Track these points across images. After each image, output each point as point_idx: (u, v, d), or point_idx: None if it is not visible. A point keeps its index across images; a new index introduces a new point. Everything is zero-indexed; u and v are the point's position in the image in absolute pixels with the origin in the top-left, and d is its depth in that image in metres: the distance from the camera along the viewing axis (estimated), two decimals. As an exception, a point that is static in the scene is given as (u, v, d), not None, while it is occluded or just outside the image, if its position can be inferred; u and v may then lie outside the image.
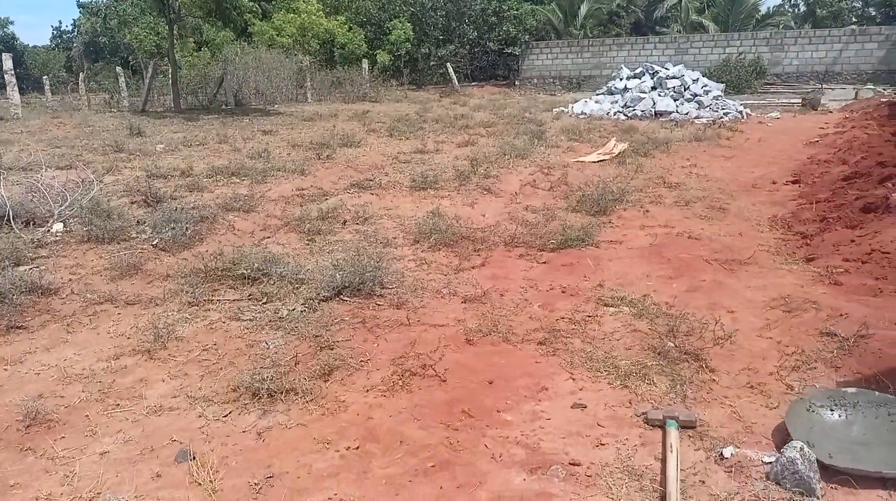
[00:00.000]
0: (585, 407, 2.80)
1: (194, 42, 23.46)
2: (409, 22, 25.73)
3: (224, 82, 19.25)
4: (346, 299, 4.04)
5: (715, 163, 8.73)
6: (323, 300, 4.00)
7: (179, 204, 6.19)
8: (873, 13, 27.67)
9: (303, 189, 7.15)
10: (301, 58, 21.18)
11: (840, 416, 2.54)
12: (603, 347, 3.36)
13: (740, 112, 13.92)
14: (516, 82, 27.88)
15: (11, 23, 53.09)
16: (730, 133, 11.21)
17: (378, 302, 4.03)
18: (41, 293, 4.11)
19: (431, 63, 26.86)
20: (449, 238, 5.25)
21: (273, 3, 26.06)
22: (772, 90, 21.70)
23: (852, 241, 4.58)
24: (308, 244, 5.29)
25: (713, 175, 7.87)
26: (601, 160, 8.98)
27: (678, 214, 6.11)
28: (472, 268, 4.73)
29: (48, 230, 5.30)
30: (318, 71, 21.90)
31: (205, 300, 4.07)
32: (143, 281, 4.49)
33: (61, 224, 5.42)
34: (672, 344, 3.30)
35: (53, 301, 4.07)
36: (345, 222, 5.86)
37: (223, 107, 18.89)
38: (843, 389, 2.70)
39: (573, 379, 3.05)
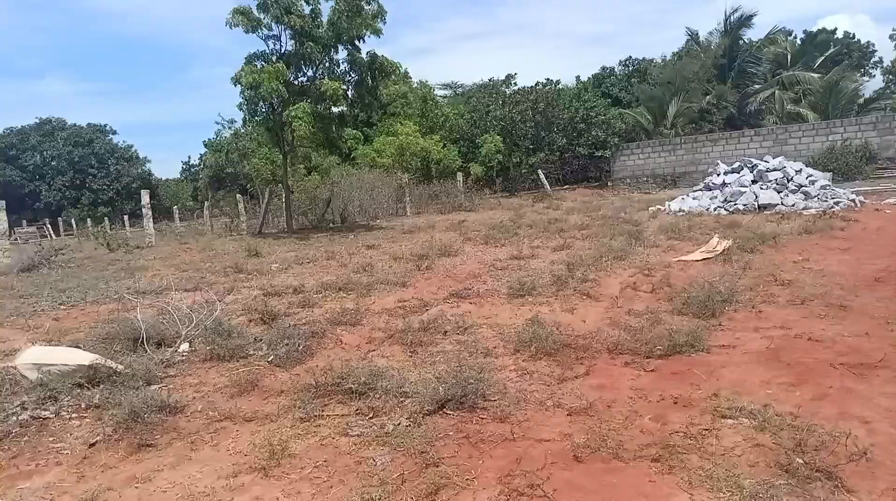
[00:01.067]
0: (709, 533, 2.61)
1: (305, 168, 25.69)
2: (499, 135, 26.98)
3: (331, 202, 20.72)
4: (449, 412, 4.06)
5: (830, 256, 8.25)
6: (427, 414, 4.04)
7: (292, 320, 6.59)
8: None
9: (404, 301, 7.41)
10: (400, 175, 22.58)
11: None
12: (723, 464, 3.15)
13: (853, 200, 13.21)
14: (609, 183, 28.06)
15: (149, 161, 60.72)
16: (843, 223, 10.62)
17: (481, 415, 4.01)
18: (169, 411, 4.43)
19: (523, 170, 27.74)
20: (550, 347, 5.21)
21: (374, 127, 28.34)
22: (886, 175, 20.50)
23: None
24: (411, 356, 5.41)
25: (830, 269, 7.42)
26: (705, 259, 8.72)
27: (794, 313, 5.76)
28: (576, 378, 4.64)
29: (176, 350, 5.77)
30: (416, 186, 23.19)
31: (316, 416, 4.22)
32: (260, 397, 4.74)
33: (188, 344, 5.89)
34: (801, 460, 3.04)
35: (179, 419, 4.37)
36: (445, 332, 5.97)
37: (331, 225, 20.23)
38: None
39: (693, 500, 2.86)
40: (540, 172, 26.10)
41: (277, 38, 17.40)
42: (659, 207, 15.81)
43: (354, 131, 21.31)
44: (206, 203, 26.47)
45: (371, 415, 4.17)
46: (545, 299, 7.01)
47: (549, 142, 27.80)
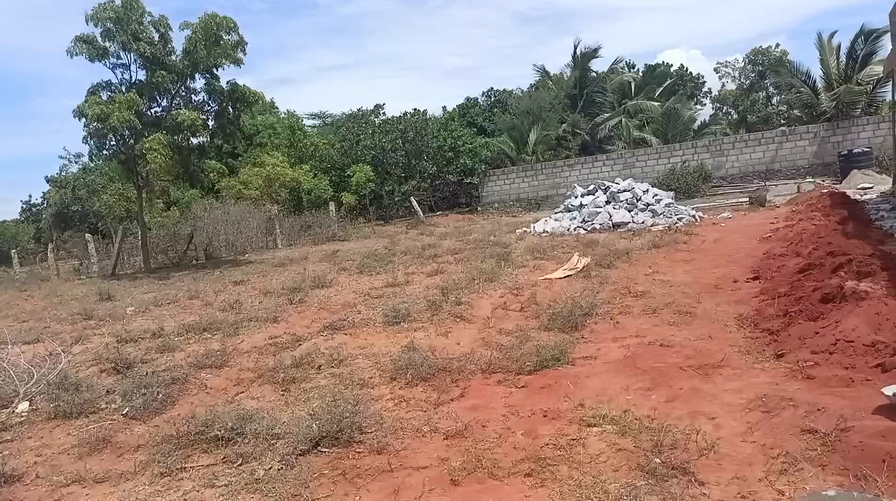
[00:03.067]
0: (580, 540, 2.70)
1: (163, 203, 24.16)
2: (369, 164, 27.06)
3: (193, 238, 19.62)
4: (324, 449, 3.93)
5: (676, 267, 9.02)
6: (300, 455, 3.88)
7: (150, 368, 6.10)
8: (798, 114, 30.02)
9: (276, 337, 7.13)
10: (269, 207, 21.87)
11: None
12: (590, 471, 3.29)
13: (693, 216, 14.58)
14: (478, 208, 28.97)
15: (-21, 202, 54.14)
16: (686, 237, 11.68)
17: (358, 449, 3.92)
18: (4, 481, 3.91)
19: (396, 198, 27.93)
20: (426, 372, 5.22)
21: (240, 159, 27.34)
22: (720, 192, 22.92)
23: (816, 333, 4.69)
24: (283, 395, 5.20)
25: (676, 280, 8.11)
26: (567, 276, 9.20)
27: (647, 322, 6.22)
28: (452, 400, 4.68)
29: (13, 411, 5.13)
30: (287, 217, 22.56)
31: (178, 469, 3.91)
32: (114, 455, 4.32)
33: (27, 403, 5.27)
34: (658, 460, 3.25)
35: (17, 489, 3.87)
36: (319, 367, 5.80)
37: (194, 262, 19.12)
38: (825, 492, 2.66)
39: (564, 510, 2.95)
40: (413, 199, 26.42)
41: (126, 66, 16.37)
42: (525, 229, 16.52)
43: (217, 163, 20.44)
44: (50, 245, 24.01)
45: (240, 462, 3.94)
46: (420, 325, 7.04)
47: (419, 170, 28.28)
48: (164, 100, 17.10)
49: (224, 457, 4.02)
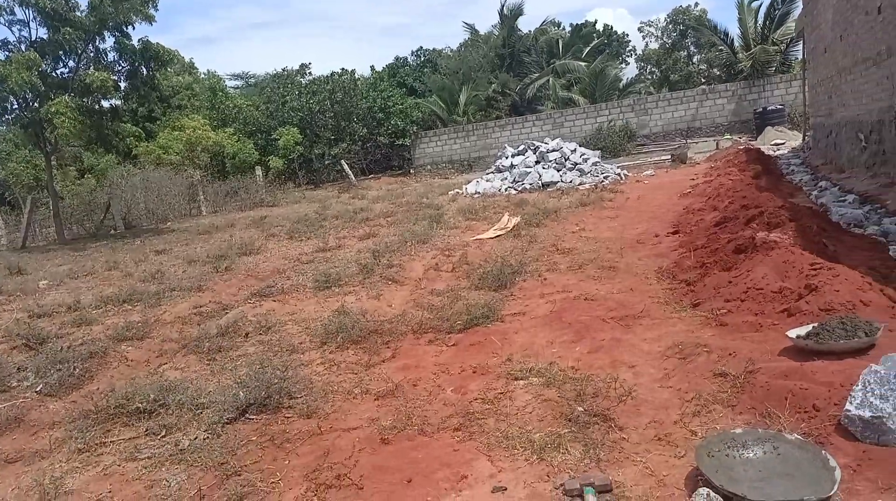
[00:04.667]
0: (506, 490, 2.78)
1: (76, 170, 22.75)
2: (296, 127, 26.25)
3: (111, 207, 18.64)
4: (252, 417, 3.87)
5: (602, 224, 9.27)
6: (227, 423, 3.81)
7: (66, 342, 5.81)
8: (718, 73, 31.04)
9: (200, 306, 6.92)
10: (191, 172, 20.97)
11: (736, 457, 2.65)
12: (517, 422, 3.38)
13: (619, 174, 14.97)
14: (411, 171, 28.77)
15: None
16: (612, 195, 11.99)
17: (287, 415, 3.88)
18: None
19: (326, 162, 27.32)
20: (357, 335, 5.20)
21: (158, 122, 25.98)
22: (644, 150, 23.59)
23: (730, 282, 4.93)
24: (209, 365, 5.07)
25: (601, 236, 8.33)
26: (498, 236, 9.30)
27: (573, 278, 6.38)
28: (383, 362, 4.69)
29: (-89, 395, 4.79)
30: (211, 183, 21.69)
31: (97, 444, 3.76)
32: (27, 434, 4.11)
33: (-73, 385, 4.92)
34: (581, 409, 3.37)
35: (-82, 476, 3.63)
36: (247, 334, 5.68)
37: (112, 232, 18.20)
38: (732, 431, 2.83)
39: (491, 462, 3.03)
40: (343, 162, 25.90)
41: (25, 23, 15.10)
42: (457, 190, 16.54)
43: (133, 127, 19.33)
44: (-49, 218, 22.27)
45: (163, 434, 3.83)
46: (352, 289, 6.98)
47: (350, 132, 27.68)
48: (71, 60, 15.92)
49: (146, 430, 3.90)
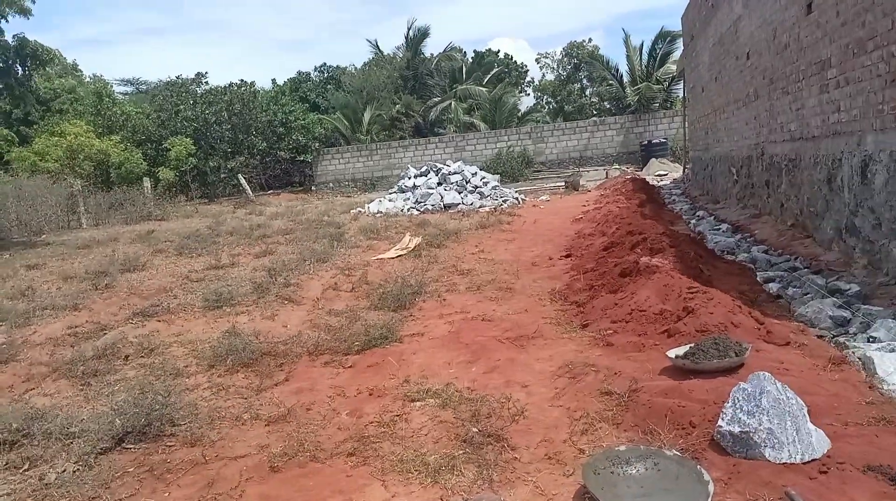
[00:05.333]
0: (399, 514, 2.74)
1: (-66, 174, 20.55)
2: (190, 137, 25.15)
3: (-26, 216, 16.94)
4: (129, 446, 3.60)
5: (500, 246, 9.51)
6: (101, 453, 3.51)
7: None
8: (608, 106, 33.00)
9: (76, 327, 6.40)
10: (71, 182, 19.49)
11: (620, 474, 2.77)
12: (412, 445, 3.36)
13: (517, 198, 15.48)
14: (313, 188, 28.31)
15: None
16: (510, 218, 12.36)
17: (169, 443, 3.64)
18: None
19: (222, 175, 26.32)
20: (248, 357, 4.99)
21: (35, 127, 24.00)
22: (540, 176, 24.58)
23: (616, 304, 5.19)
24: (82, 390, 4.68)
25: (499, 258, 8.55)
26: (399, 256, 9.31)
27: (472, 298, 6.48)
28: (275, 385, 4.52)
29: None
30: (93, 194, 20.23)
31: (-57, 483, 3.35)
32: None
33: None
34: (475, 429, 3.40)
35: None
36: (127, 357, 5.30)
37: (-26, 244, 16.49)
38: (616, 448, 2.96)
39: (385, 487, 2.98)
40: (240, 176, 25.04)
41: None
42: (360, 209, 16.44)
43: (5, 130, 17.75)
44: None
45: (27, 467, 3.48)
46: (245, 309, 6.72)
47: (248, 145, 26.85)
48: (-69, 54, 14.45)
49: (6, 463, 3.52)
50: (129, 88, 37.13)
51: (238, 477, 3.16)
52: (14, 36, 14.99)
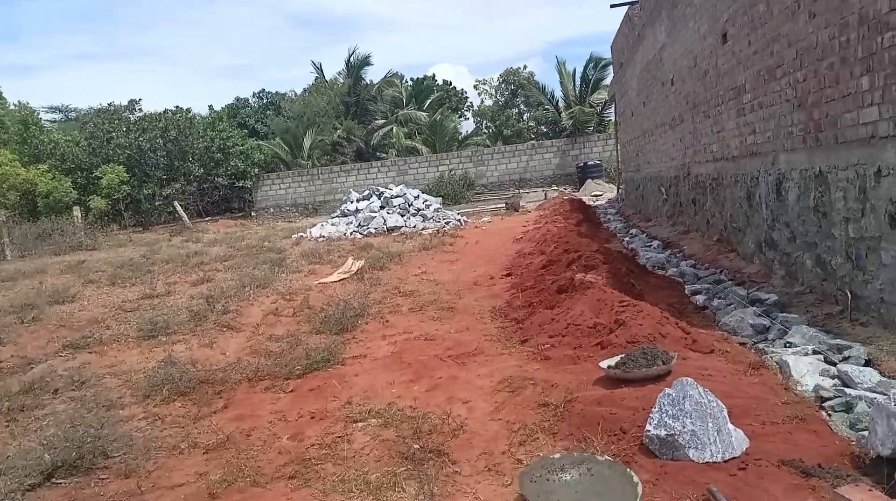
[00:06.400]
0: (341, 533, 2.75)
1: None
2: (123, 165, 24.42)
3: None
4: (59, 481, 3.47)
5: (443, 267, 9.62)
6: (28, 490, 3.38)
7: None
8: (545, 130, 33.95)
9: (0, 362, 6.10)
10: (-7, 212, 18.55)
11: (555, 480, 2.87)
12: (354, 465, 3.37)
13: (459, 220, 15.69)
14: (252, 213, 27.86)
15: None
16: (452, 240, 12.51)
17: (102, 476, 3.53)
18: None
19: (157, 203, 25.60)
20: (185, 386, 4.88)
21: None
22: (481, 199, 24.99)
23: (553, 319, 5.35)
24: (8, 426, 4.47)
25: (442, 278, 8.64)
26: (342, 279, 9.28)
27: (415, 319, 6.54)
28: (214, 413, 4.44)
29: None
30: (18, 224, 19.31)
31: None
32: None
33: None
34: (417, 446, 3.44)
35: None
36: (56, 390, 5.10)
37: None
38: (552, 456, 3.07)
39: (327, 506, 2.99)
40: (176, 203, 24.41)
41: None
42: (301, 234, 16.29)
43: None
44: None
45: (-56, 510, 3.30)
46: (182, 337, 6.57)
47: (184, 172, 26.24)
48: None
49: (-79, 509, 3.34)
50: (57, 116, 35.79)
51: (175, 507, 3.10)
52: (-70, 60, 14.31)
